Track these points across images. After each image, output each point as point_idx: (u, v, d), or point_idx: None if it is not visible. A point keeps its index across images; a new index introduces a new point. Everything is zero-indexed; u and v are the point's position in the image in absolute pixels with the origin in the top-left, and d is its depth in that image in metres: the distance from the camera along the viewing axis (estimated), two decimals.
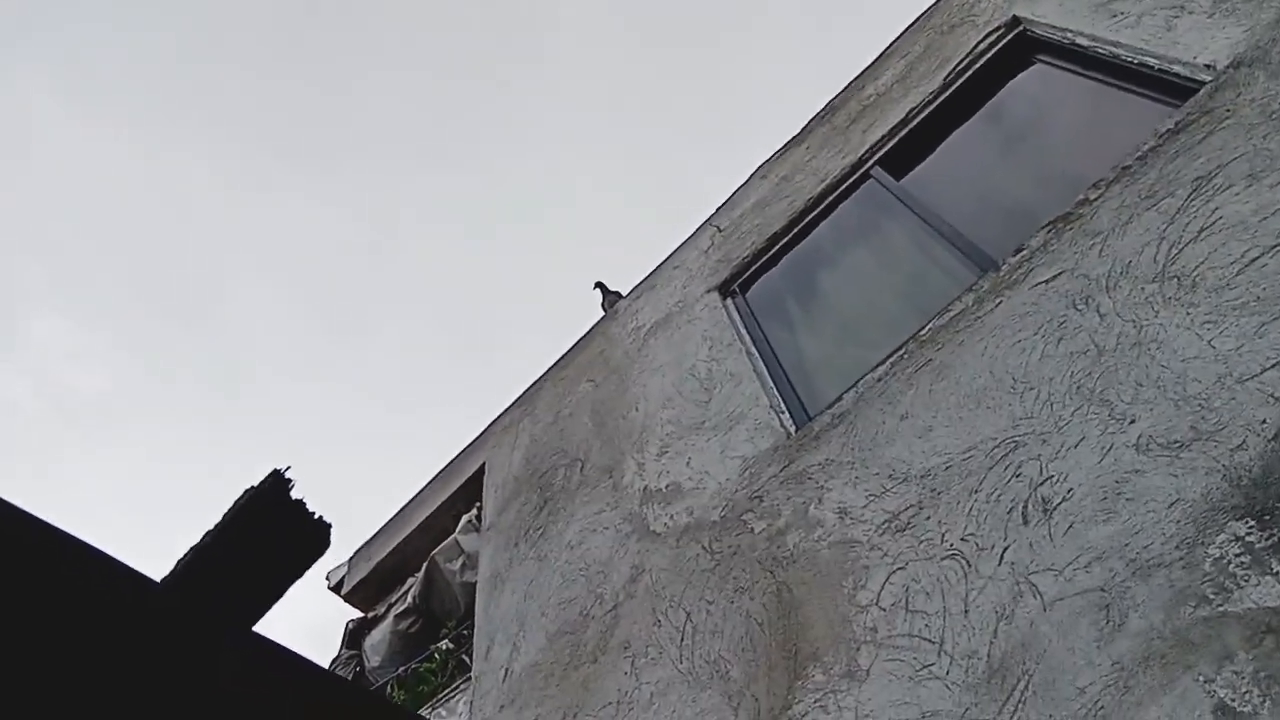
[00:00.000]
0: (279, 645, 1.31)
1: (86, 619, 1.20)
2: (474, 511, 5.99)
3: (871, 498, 3.33)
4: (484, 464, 6.12)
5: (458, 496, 6.25)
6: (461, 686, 5.04)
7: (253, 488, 1.27)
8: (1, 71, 21.59)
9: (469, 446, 6.56)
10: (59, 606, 1.18)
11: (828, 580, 3.24)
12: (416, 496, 6.70)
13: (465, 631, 5.46)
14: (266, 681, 1.33)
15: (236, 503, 1.27)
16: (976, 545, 2.84)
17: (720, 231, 5.66)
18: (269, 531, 1.28)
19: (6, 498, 1.18)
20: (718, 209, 5.87)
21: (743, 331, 4.82)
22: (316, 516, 1.31)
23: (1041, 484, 2.80)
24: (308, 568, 1.35)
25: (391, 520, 6.79)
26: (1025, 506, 2.79)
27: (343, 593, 6.62)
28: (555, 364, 6.28)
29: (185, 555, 1.27)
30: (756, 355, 4.58)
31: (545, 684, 4.12)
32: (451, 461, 6.62)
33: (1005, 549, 2.75)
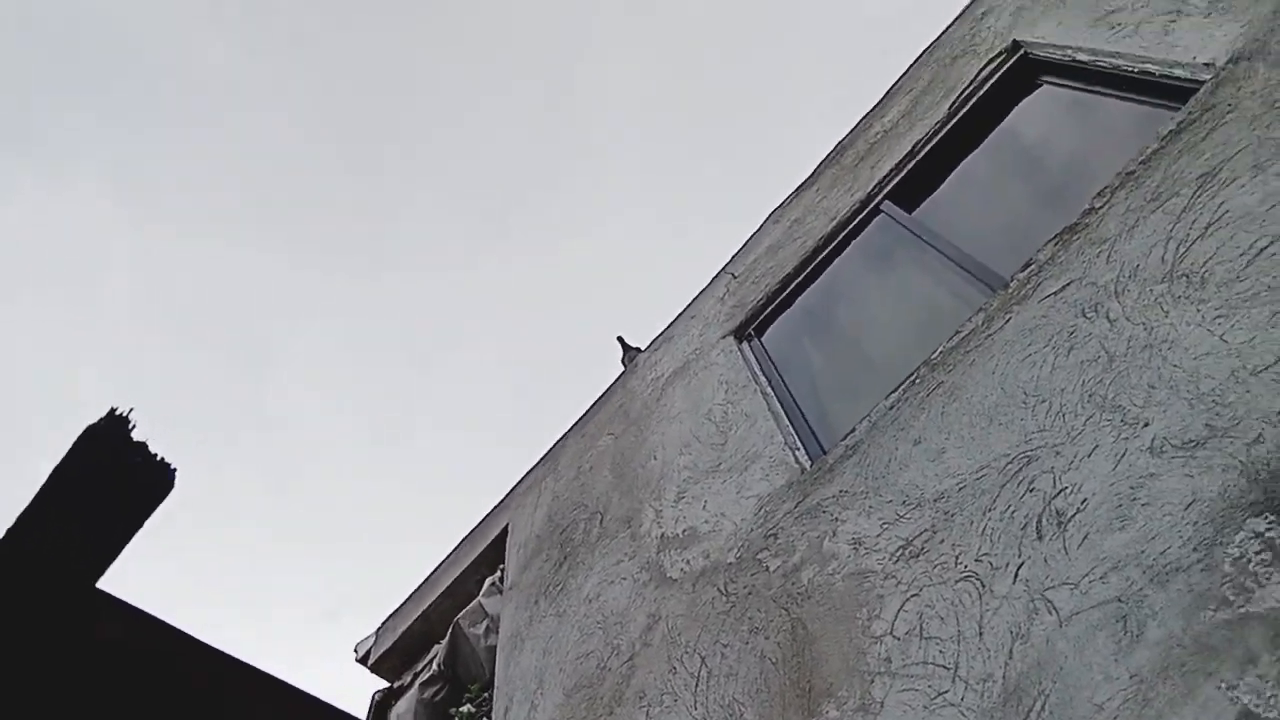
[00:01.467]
0: (119, 600, 1.24)
1: None
2: (497, 574, 5.88)
3: (885, 526, 3.18)
4: (507, 525, 6.03)
5: (482, 560, 6.15)
6: None
7: (89, 427, 1.19)
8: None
9: (493, 510, 6.48)
10: None
11: (842, 613, 3.09)
12: (442, 563, 6.60)
13: (487, 694, 5.31)
14: (109, 637, 1.25)
15: (74, 444, 1.19)
16: (990, 565, 2.69)
17: (735, 278, 5.60)
18: (109, 475, 1.20)
19: None
20: (732, 257, 5.82)
21: (758, 372, 4.72)
22: (159, 458, 1.22)
23: (1055, 496, 2.65)
24: (150, 513, 1.26)
25: (418, 589, 6.69)
26: (1039, 521, 2.64)
27: (370, 663, 6.49)
28: (578, 421, 6.21)
29: (27, 506, 1.20)
30: (771, 394, 4.47)
31: None
32: (476, 526, 6.53)
33: (1020, 566, 2.59)
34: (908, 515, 3.12)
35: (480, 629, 5.63)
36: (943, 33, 5.27)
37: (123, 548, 1.25)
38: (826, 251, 4.98)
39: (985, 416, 3.10)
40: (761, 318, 5.12)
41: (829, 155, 5.53)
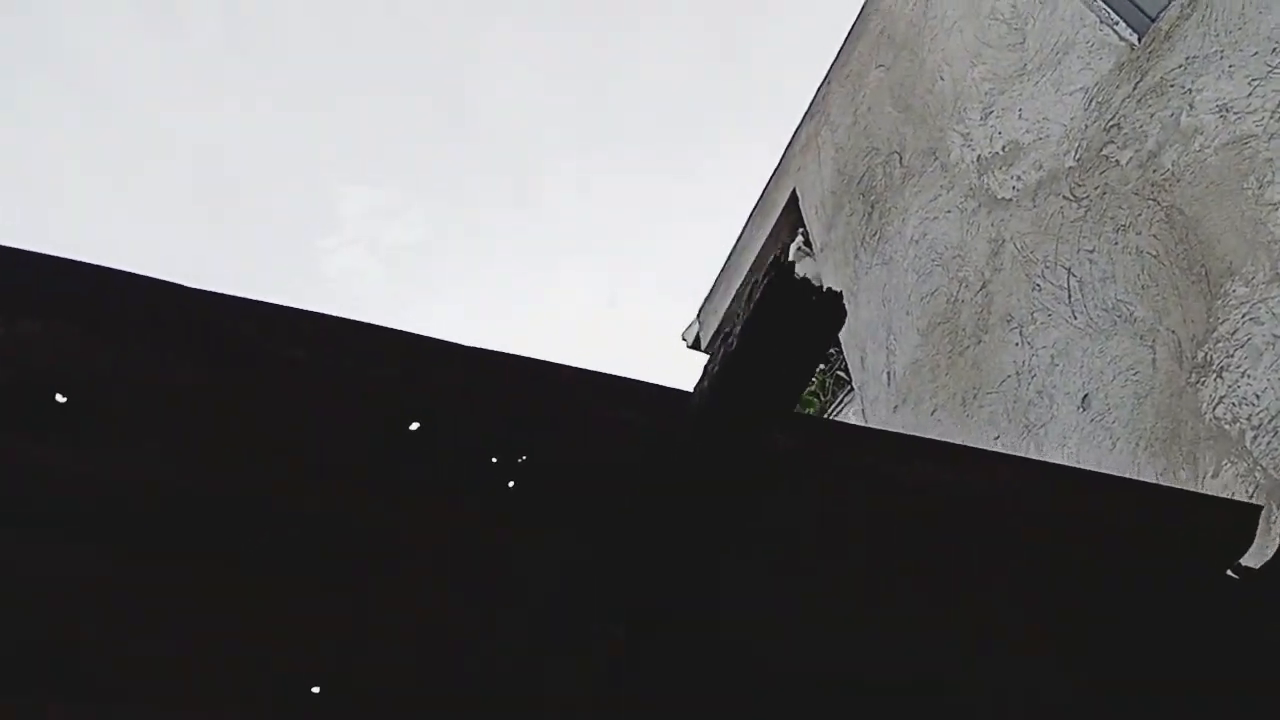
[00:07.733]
0: (824, 420, 1.40)
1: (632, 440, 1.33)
2: (800, 238, 5.97)
3: (1254, 82, 2.90)
4: (794, 190, 6.02)
5: (779, 229, 6.23)
6: (846, 399, 5.21)
7: (760, 279, 1.29)
8: None
9: (772, 176, 6.46)
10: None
11: (1224, 188, 2.92)
12: (739, 242, 6.76)
13: (831, 350, 5.58)
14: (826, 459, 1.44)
15: (752, 298, 1.29)
16: None
17: None
18: (787, 316, 1.30)
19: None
20: None
21: None
22: (825, 289, 1.31)
23: None
24: (830, 340, 1.39)
25: (723, 269, 6.94)
26: None
27: (702, 348, 6.95)
28: (835, 61, 5.92)
29: (716, 362, 1.35)
30: None
31: (933, 376, 4.14)
32: (760, 197, 6.58)
33: None
34: None
35: None
36: None
37: (806, 383, 1.42)
38: None
39: None
40: None
41: None
